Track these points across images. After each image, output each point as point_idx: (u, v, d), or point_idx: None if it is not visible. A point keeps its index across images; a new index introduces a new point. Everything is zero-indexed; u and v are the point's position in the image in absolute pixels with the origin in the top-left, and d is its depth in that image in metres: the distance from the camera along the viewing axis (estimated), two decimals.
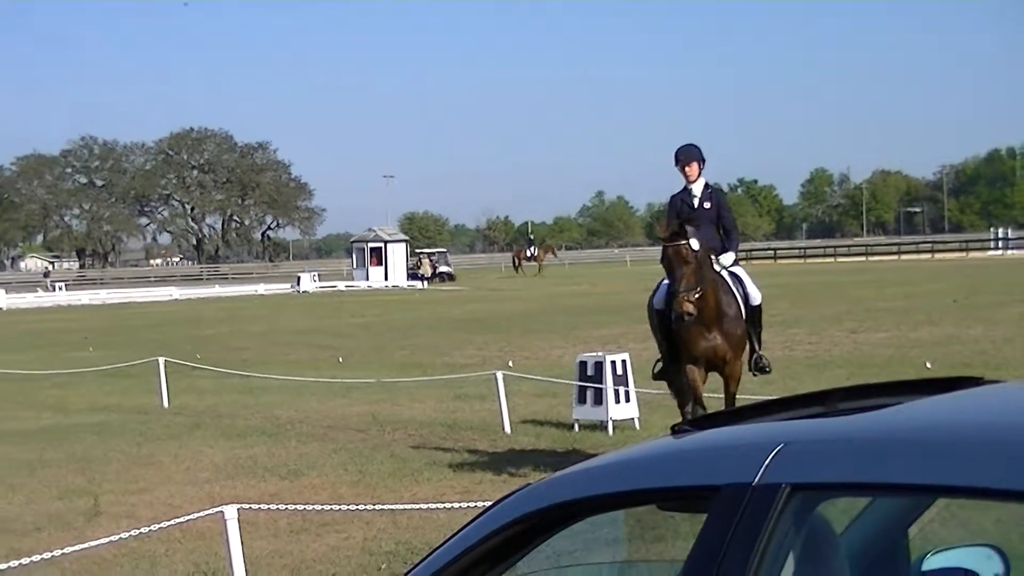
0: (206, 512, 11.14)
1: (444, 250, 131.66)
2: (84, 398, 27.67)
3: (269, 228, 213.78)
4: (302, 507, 12.49)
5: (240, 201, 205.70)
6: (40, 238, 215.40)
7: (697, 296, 14.49)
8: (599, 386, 19.38)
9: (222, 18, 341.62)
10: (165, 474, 17.57)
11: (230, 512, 10.58)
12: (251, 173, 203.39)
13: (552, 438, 19.21)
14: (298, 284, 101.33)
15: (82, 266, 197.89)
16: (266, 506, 11.97)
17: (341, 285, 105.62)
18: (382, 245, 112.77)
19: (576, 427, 19.71)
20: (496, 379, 20.32)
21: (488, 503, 10.85)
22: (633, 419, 19.58)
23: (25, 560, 10.75)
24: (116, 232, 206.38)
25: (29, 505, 15.88)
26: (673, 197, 16.07)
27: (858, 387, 3.50)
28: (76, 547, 11.05)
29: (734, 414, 3.46)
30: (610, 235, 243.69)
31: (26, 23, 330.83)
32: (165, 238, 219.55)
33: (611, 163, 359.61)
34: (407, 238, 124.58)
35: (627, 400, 19.58)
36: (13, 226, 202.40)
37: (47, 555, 10.86)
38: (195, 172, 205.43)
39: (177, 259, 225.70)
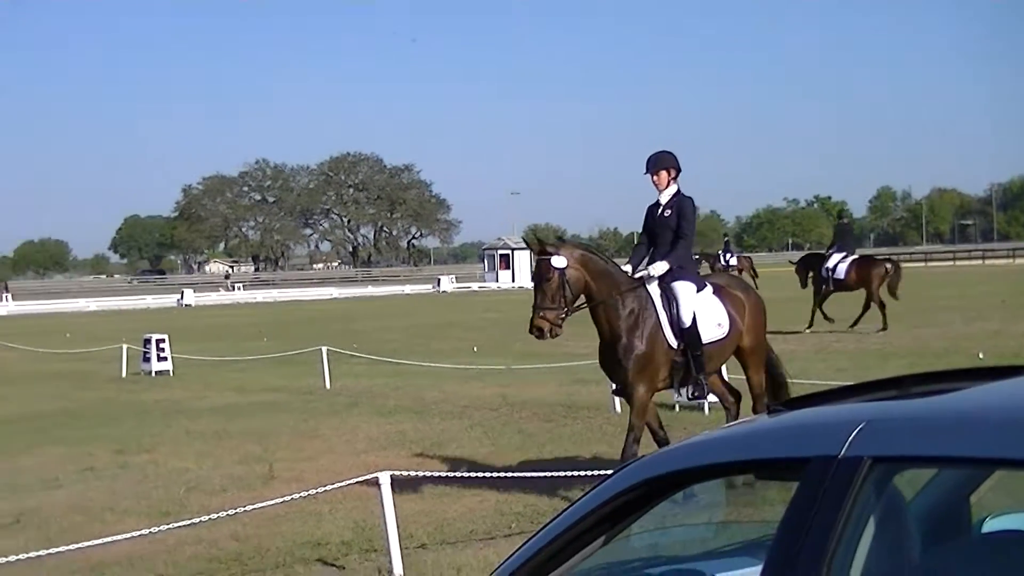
0: (363, 477, 11.21)
1: None
2: (259, 381, 27.93)
3: (413, 237, 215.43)
4: (444, 474, 12.53)
5: (389, 215, 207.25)
6: (222, 246, 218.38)
7: (560, 316, 12.27)
8: None
9: (375, 58, 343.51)
10: (328, 445, 17.69)
11: (384, 478, 10.65)
12: (398, 191, 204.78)
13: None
14: (438, 285, 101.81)
15: (256, 269, 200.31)
16: (414, 473, 12.02)
17: (475, 286, 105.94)
18: (510, 252, 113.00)
19: (676, 407, 19.65)
20: None
21: (602, 471, 10.86)
22: (718, 401, 19.48)
23: (213, 515, 10.90)
24: (285, 241, 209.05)
25: (216, 469, 16.06)
26: (649, 206, 13.59)
27: (926, 374, 3.46)
28: (255, 505, 11.19)
29: (821, 396, 3.43)
30: (703, 243, 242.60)
31: (210, 65, 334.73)
32: (326, 246, 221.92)
33: (705, 180, 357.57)
34: None
35: None
36: (199, 236, 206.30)
37: (231, 511, 11.00)
38: (351, 190, 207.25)
39: (336, 264, 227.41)
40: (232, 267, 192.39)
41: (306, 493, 11.30)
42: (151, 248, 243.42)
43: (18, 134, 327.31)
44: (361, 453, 16.70)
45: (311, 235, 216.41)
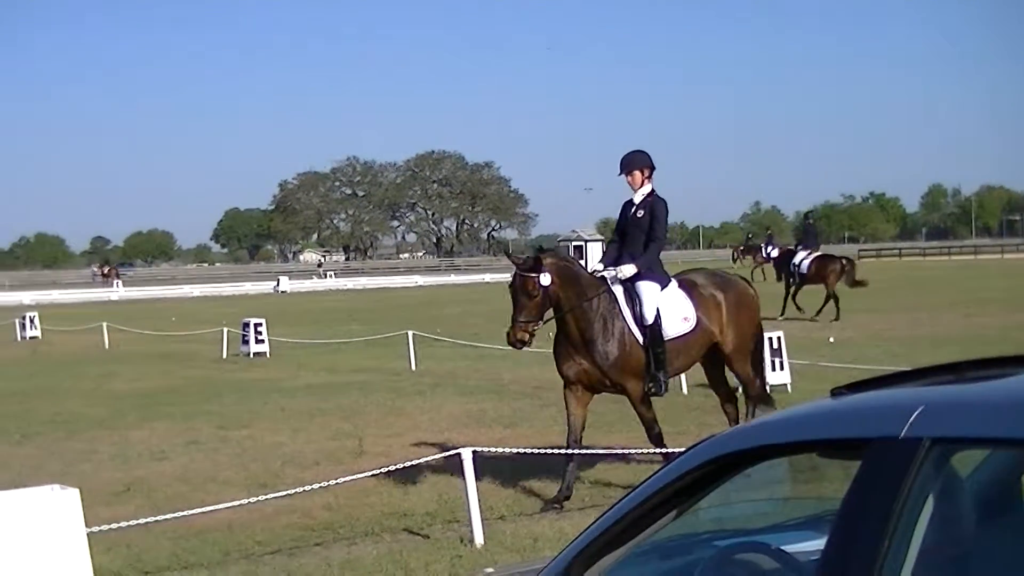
0: (447, 453, 11.26)
1: None
2: (349, 362, 28.06)
3: (493, 229, 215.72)
4: (521, 450, 12.51)
5: (470, 208, 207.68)
6: (315, 236, 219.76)
7: (536, 327, 12.01)
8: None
9: (454, 58, 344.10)
10: (413, 422, 17.75)
11: (466, 453, 10.67)
12: (479, 186, 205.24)
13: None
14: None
15: (347, 259, 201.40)
16: (493, 449, 12.04)
17: None
18: (583, 243, 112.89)
19: (739, 390, 19.56)
20: None
21: (669, 449, 10.81)
22: (786, 384, 19.36)
23: (307, 487, 10.97)
24: (373, 232, 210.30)
25: (309, 444, 16.16)
26: (624, 204, 13.05)
27: (981, 360, 3.42)
28: (346, 478, 11.24)
29: (881, 380, 3.40)
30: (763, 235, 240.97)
31: (305, 67, 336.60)
32: (411, 237, 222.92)
33: (766, 175, 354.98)
34: (602, 238, 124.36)
35: (781, 368, 19.46)
36: (294, 227, 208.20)
37: (324, 483, 11.06)
38: (435, 185, 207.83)
39: (421, 253, 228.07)
40: (324, 256, 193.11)
41: (393, 467, 11.35)
42: (249, 238, 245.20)
43: (128, 135, 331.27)
44: (444, 430, 16.74)
45: (398, 227, 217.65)
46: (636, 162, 12.84)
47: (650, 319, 12.17)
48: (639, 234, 12.67)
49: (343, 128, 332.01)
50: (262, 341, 31.32)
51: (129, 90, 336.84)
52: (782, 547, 3.83)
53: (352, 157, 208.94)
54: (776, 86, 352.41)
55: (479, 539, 10.42)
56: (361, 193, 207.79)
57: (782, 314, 34.66)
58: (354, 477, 11.25)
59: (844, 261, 35.63)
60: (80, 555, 8.25)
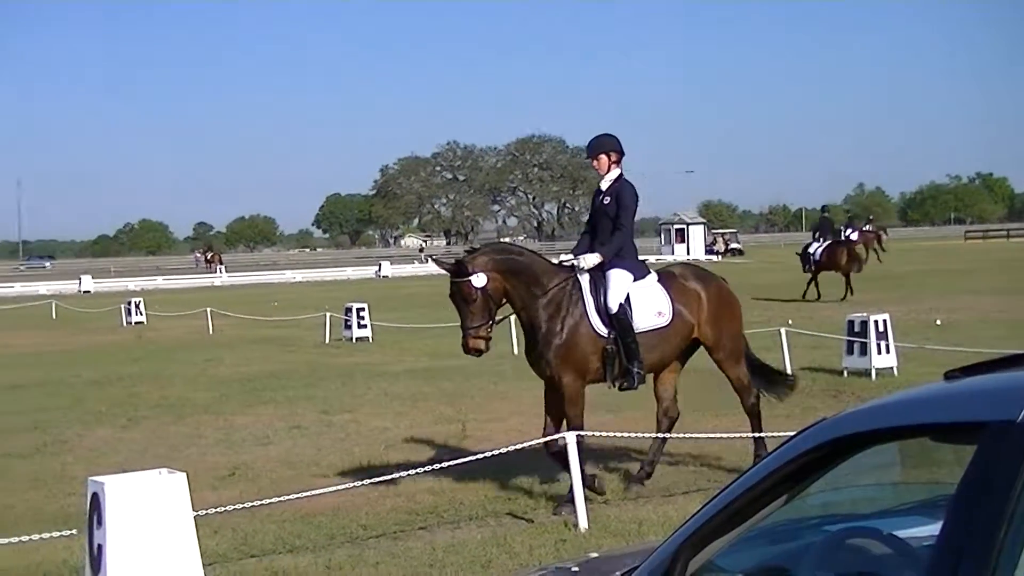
0: (551, 437, 11.26)
1: (735, 230, 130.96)
2: (451, 346, 28.03)
3: None
4: (624, 434, 12.48)
5: (571, 192, 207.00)
6: (416, 221, 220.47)
7: (490, 328, 11.46)
8: (864, 340, 19.24)
9: (554, 41, 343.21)
10: (516, 407, 17.77)
11: (570, 437, 10.70)
12: (580, 170, 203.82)
13: (825, 382, 18.97)
14: None
15: (448, 243, 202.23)
16: (596, 433, 12.02)
17: (652, 258, 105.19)
18: (684, 226, 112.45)
19: (845, 373, 19.43)
20: (780, 334, 20.19)
21: (774, 433, 10.72)
22: (892, 368, 19.20)
23: (411, 471, 11.03)
24: (474, 216, 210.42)
25: (412, 428, 16.26)
26: (594, 192, 12.57)
27: None
28: (450, 462, 11.29)
29: (997, 363, 3.34)
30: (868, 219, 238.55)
31: (406, 54, 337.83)
32: (512, 221, 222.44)
33: (871, 156, 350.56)
34: (704, 220, 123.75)
35: (887, 352, 19.30)
36: (395, 212, 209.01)
37: (428, 467, 11.12)
38: (536, 169, 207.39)
39: (521, 238, 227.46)
40: (426, 241, 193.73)
41: (497, 451, 11.38)
42: (351, 224, 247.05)
43: (231, 122, 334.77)
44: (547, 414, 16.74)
45: (498, 211, 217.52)
46: (602, 146, 12.22)
47: (614, 308, 11.57)
48: (607, 223, 12.04)
49: (444, 113, 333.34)
50: (364, 326, 31.54)
51: (232, 78, 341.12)
52: (894, 532, 3.78)
53: (453, 142, 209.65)
54: (882, 66, 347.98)
55: (583, 523, 10.43)
56: (462, 178, 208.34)
57: (803, 296, 38.76)
58: (458, 461, 11.30)
59: (851, 248, 39.83)
60: (188, 538, 8.36)
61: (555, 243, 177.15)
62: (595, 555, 5.54)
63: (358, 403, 19.10)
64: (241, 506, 10.08)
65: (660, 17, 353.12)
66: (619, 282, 11.72)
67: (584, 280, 11.71)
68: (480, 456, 11.36)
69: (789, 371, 18.91)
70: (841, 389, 18.03)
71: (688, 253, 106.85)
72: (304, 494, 10.64)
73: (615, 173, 12.17)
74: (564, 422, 11.65)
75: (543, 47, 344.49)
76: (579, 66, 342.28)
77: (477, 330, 11.38)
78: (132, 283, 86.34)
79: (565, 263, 12.07)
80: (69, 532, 9.62)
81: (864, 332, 19.33)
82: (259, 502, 10.30)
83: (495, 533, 10.49)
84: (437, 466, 11.16)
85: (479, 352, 11.48)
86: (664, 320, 11.93)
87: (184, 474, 8.51)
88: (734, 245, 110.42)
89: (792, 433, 3.73)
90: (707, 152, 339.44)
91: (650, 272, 12.23)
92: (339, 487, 10.87)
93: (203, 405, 19.73)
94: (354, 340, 30.96)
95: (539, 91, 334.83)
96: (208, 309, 38.54)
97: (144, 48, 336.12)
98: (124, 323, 42.39)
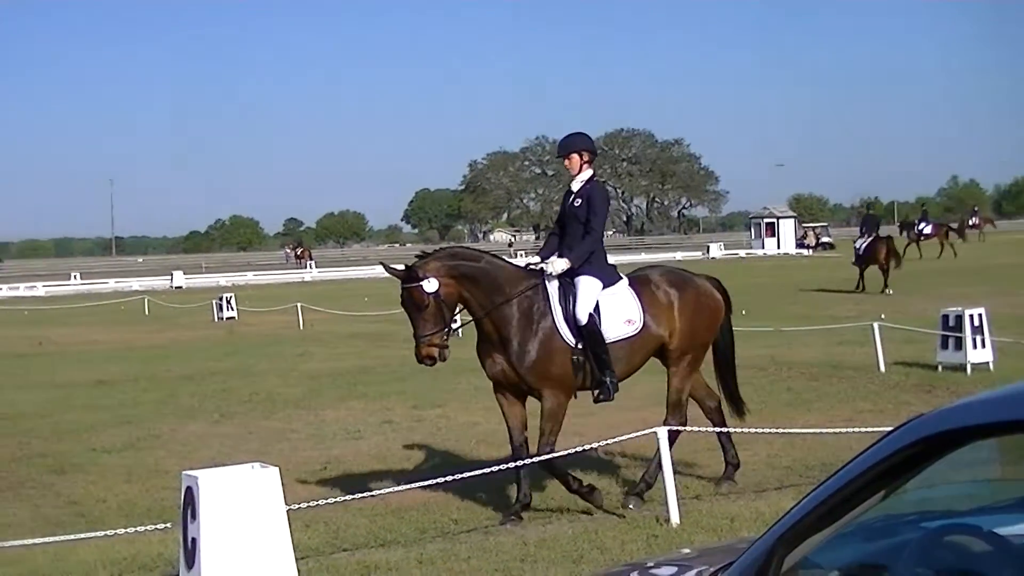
0: (642, 432, 11.22)
1: (825, 224, 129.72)
2: None
3: (683, 208, 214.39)
4: (716, 429, 12.43)
5: (660, 186, 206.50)
6: (505, 216, 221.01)
7: (444, 337, 11.00)
8: (959, 335, 18.98)
9: (643, 35, 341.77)
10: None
11: (661, 432, 10.68)
12: (669, 164, 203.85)
13: (919, 377, 18.76)
14: (707, 252, 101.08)
15: (537, 238, 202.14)
16: (689, 428, 11.96)
17: (742, 253, 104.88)
18: (775, 220, 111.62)
19: (939, 368, 19.18)
20: (873, 328, 20.00)
21: (867, 429, 10.60)
22: (988, 363, 18.93)
23: (507, 465, 11.05)
24: None
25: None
26: (564, 193, 12.07)
27: None
28: (540, 457, 11.31)
29: None
30: (964, 211, 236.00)
31: (492, 52, 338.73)
32: None
33: (966, 148, 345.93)
34: (795, 214, 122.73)
35: (983, 346, 19.04)
36: (484, 207, 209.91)
37: (522, 462, 11.13)
38: (624, 163, 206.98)
39: (611, 232, 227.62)
40: (515, 236, 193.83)
41: (588, 446, 11.37)
42: (440, 219, 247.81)
43: (320, 117, 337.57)
44: (636, 409, 16.64)
45: None
46: (573, 145, 11.70)
47: (583, 319, 11.03)
48: (577, 226, 11.49)
49: (532, 107, 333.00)
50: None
51: (322, 74, 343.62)
52: (994, 529, 3.73)
53: (541, 136, 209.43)
54: (975, 57, 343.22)
55: (675, 518, 10.40)
56: (551, 172, 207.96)
57: (855, 289, 40.77)
58: (548, 456, 11.31)
59: (889, 243, 41.16)
60: (280, 532, 8.45)
61: (644, 237, 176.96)
62: (687, 551, 5.54)
63: (448, 398, 19.15)
64: (333, 500, 10.17)
65: (748, 9, 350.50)
66: (588, 290, 11.19)
67: (552, 287, 11.21)
68: (571, 451, 11.35)
69: (882, 367, 18.77)
70: (935, 384, 17.83)
71: (779, 247, 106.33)
72: (395, 488, 10.72)
73: (587, 174, 11.64)
74: (524, 425, 11.48)
75: (631, 40, 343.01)
76: (668, 59, 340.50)
77: (430, 338, 10.91)
78: (223, 279, 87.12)
79: (533, 267, 11.59)
80: (164, 525, 9.77)
81: (959, 326, 19.04)
82: (351, 496, 10.38)
83: (586, 528, 10.49)
84: (528, 460, 11.17)
85: (432, 361, 11.03)
86: (633, 329, 11.39)
87: (276, 468, 8.60)
88: (825, 239, 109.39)
89: (887, 429, 3.69)
90: (798, 145, 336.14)
91: (621, 277, 11.64)
92: (430, 481, 10.91)
93: (294, 400, 19.90)
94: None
95: (628, 85, 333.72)
96: (299, 304, 38.85)
97: (236, 43, 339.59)
98: (216, 318, 42.83)
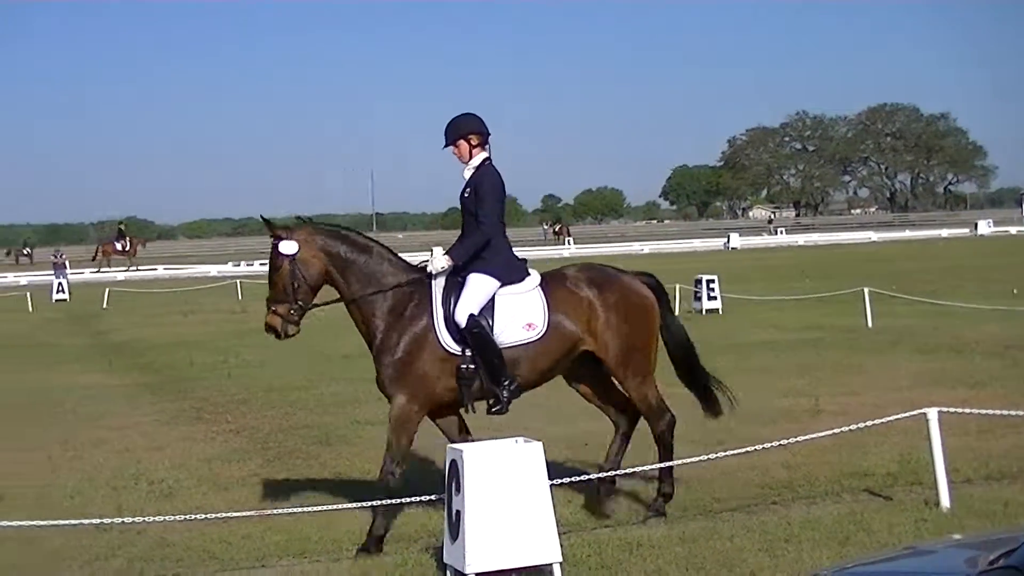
0: (909, 413, 10.92)
1: None
2: (802, 318, 27.74)
3: (949, 183, 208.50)
4: (988, 411, 12.00)
5: (926, 162, 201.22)
6: (764, 192, 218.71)
7: (293, 311, 9.92)
8: None
9: (907, 11, 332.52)
10: (871, 381, 17.37)
11: (932, 414, 10.36)
12: (934, 139, 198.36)
13: None
14: (975, 229, 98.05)
15: (797, 215, 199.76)
16: (960, 410, 11.60)
17: (1012, 230, 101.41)
18: None
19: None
20: None
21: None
22: None
23: (764, 445, 10.89)
24: (824, 188, 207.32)
25: (765, 401, 16.05)
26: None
27: None
28: (804, 436, 11.11)
29: None
30: None
31: (749, 20, 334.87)
32: (863, 192, 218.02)
33: None
34: None
35: None
36: (743, 183, 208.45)
37: (781, 441, 10.95)
38: (888, 139, 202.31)
39: (873, 209, 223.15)
40: (774, 212, 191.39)
41: (853, 426, 11.11)
42: (698, 195, 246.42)
43: (580, 97, 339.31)
44: (903, 389, 16.31)
45: (849, 182, 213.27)
46: (457, 129, 10.27)
47: (462, 321, 9.85)
48: (470, 220, 10.24)
49: (792, 82, 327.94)
50: (714, 298, 31.44)
51: (585, 53, 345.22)
52: None
53: (802, 111, 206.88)
54: None
55: (945, 503, 10.10)
56: (811, 148, 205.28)
57: None
58: (812, 436, 11.11)
59: None
60: (543, 506, 8.51)
61: (908, 214, 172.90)
62: (958, 537, 5.35)
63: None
64: (594, 476, 10.15)
65: None
66: (476, 290, 10.00)
67: (437, 286, 10.07)
68: (835, 431, 11.12)
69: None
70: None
71: None
72: (655, 465, 10.64)
73: (478, 159, 10.27)
74: (463, 427, 10.60)
75: (890, 13, 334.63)
76: (931, 31, 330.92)
77: (276, 306, 10.00)
78: None
79: (422, 265, 10.35)
80: (428, 498, 9.92)
81: None
82: (613, 472, 10.35)
83: (851, 510, 10.25)
84: (791, 440, 10.98)
85: (276, 333, 10.04)
86: (535, 333, 10.13)
87: (539, 443, 8.64)
88: None
89: None
90: None
91: (529, 275, 10.37)
92: (692, 459, 10.82)
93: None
94: (704, 312, 30.87)
95: (890, 58, 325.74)
96: None
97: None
98: None
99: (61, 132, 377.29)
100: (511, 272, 10.24)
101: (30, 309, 46.72)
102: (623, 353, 10.46)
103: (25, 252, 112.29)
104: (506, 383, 9.97)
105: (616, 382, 10.78)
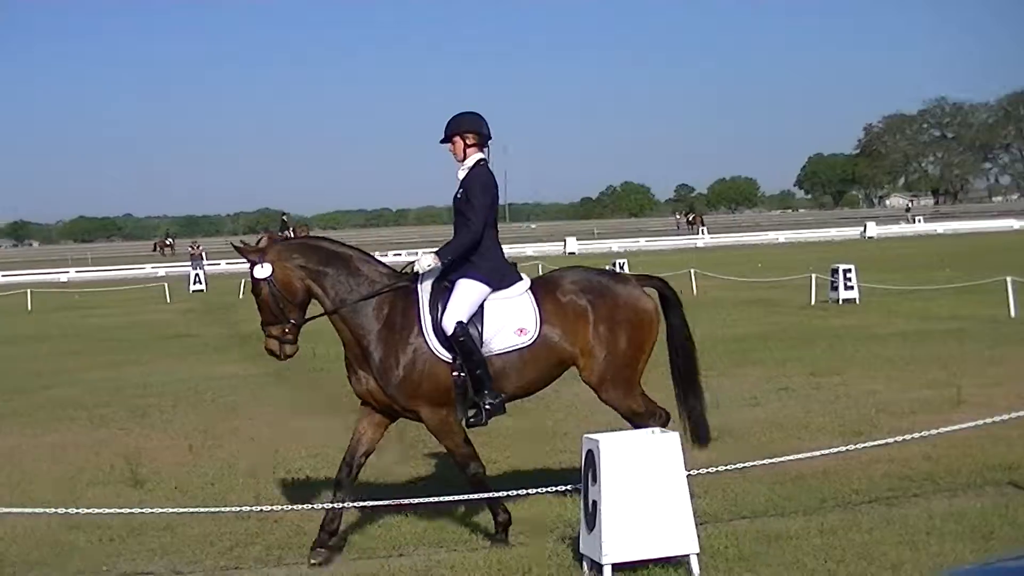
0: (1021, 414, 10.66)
1: None
2: (942, 308, 27.27)
3: None
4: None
5: None
6: (902, 181, 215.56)
7: (286, 332, 9.75)
8: None
9: None
10: (1015, 372, 17.00)
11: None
12: None
13: None
14: None
15: (936, 203, 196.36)
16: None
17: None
18: None
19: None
20: None
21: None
22: None
23: (905, 436, 10.70)
24: (963, 175, 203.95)
25: (904, 392, 15.85)
26: None
27: None
28: (946, 428, 10.89)
29: None
30: None
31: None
32: (1005, 179, 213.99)
33: None
34: None
35: None
36: (880, 171, 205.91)
37: (922, 433, 10.75)
38: None
39: (1015, 196, 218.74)
40: (912, 201, 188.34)
41: (997, 418, 10.88)
42: (833, 184, 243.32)
43: (717, 85, 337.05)
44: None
45: (990, 169, 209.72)
46: (458, 126, 10.08)
47: (449, 329, 9.57)
48: (462, 221, 9.94)
49: (929, 69, 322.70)
50: (851, 287, 31.03)
51: (707, 40, 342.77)
52: None
53: (941, 98, 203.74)
54: None
55: None
56: (951, 135, 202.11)
57: None
58: (954, 428, 10.89)
59: None
60: (680, 497, 8.47)
61: None
62: None
63: (846, 365, 18.80)
64: (732, 467, 10.08)
65: None
66: (465, 296, 9.73)
67: (423, 291, 9.83)
68: (979, 423, 10.89)
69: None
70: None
71: None
72: (794, 456, 10.53)
73: (472, 160, 10.05)
74: (367, 449, 10.09)
75: None
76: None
77: (269, 329, 9.87)
78: (616, 244, 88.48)
79: (407, 269, 10.14)
80: (564, 488, 9.92)
81: None
82: (749, 463, 10.27)
83: (996, 503, 10.05)
84: (932, 431, 10.79)
85: (276, 355, 9.94)
86: (526, 339, 9.84)
87: (676, 434, 8.62)
88: None
89: None
90: None
91: (520, 279, 10.05)
92: (830, 450, 10.67)
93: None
94: (840, 302, 30.48)
95: None
96: (691, 270, 38.85)
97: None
98: None
99: (196, 126, 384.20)
100: (501, 277, 9.96)
101: (167, 300, 47.79)
102: (606, 373, 10.10)
103: (168, 243, 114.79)
104: (487, 394, 9.67)
105: (596, 394, 10.39)
